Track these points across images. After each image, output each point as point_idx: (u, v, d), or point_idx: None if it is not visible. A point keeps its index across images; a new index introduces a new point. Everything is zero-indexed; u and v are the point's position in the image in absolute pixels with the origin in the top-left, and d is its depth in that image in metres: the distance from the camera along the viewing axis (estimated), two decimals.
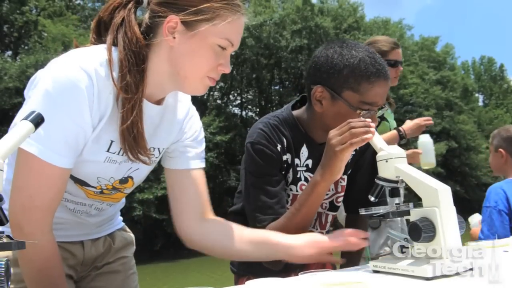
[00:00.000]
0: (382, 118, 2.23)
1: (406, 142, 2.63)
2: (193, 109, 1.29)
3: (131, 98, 1.02)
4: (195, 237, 1.25)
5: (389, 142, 2.14)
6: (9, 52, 21.81)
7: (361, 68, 1.23)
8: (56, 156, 0.98)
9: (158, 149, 1.19)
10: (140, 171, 1.20)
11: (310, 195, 1.20)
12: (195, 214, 1.24)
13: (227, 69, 1.10)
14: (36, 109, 0.86)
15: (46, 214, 1.02)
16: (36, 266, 1.03)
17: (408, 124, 2.56)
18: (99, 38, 1.13)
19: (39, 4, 21.15)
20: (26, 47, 21.17)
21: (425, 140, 2.68)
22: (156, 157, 1.21)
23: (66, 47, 18.52)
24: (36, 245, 0.99)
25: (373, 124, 1.12)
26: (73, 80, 0.96)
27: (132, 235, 1.47)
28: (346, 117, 1.19)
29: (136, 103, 1.03)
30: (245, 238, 1.22)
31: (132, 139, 1.04)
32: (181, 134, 1.24)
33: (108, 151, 1.08)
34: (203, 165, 1.28)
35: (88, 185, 1.14)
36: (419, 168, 2.35)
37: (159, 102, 1.15)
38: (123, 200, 1.38)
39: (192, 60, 1.05)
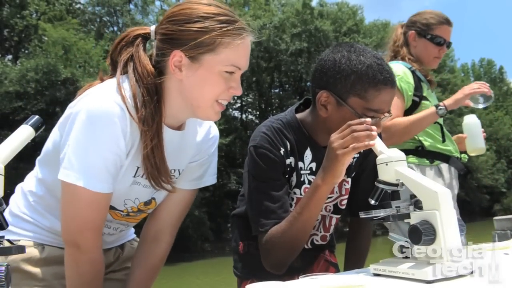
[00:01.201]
0: (423, 98, 2.14)
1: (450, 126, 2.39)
2: (214, 128, 1.33)
3: (148, 129, 1.07)
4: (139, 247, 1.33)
5: (425, 119, 2.04)
6: (10, 56, 21.86)
7: (368, 75, 1.22)
8: (100, 185, 1.06)
9: (178, 170, 1.24)
10: (162, 192, 1.23)
11: (311, 199, 1.19)
12: (159, 230, 1.30)
13: (238, 92, 1.13)
14: (77, 143, 1.00)
15: (98, 233, 1.12)
16: (86, 280, 1.12)
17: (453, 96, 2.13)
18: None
19: (40, 8, 21.20)
20: (26, 51, 21.21)
21: (470, 121, 2.25)
22: (176, 178, 1.25)
23: (67, 51, 18.62)
24: (92, 260, 1.11)
25: (374, 128, 1.11)
26: (108, 113, 1.03)
27: None
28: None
29: (154, 134, 1.08)
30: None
31: (154, 167, 1.10)
32: (197, 157, 1.28)
33: (134, 176, 1.15)
34: (200, 186, 1.32)
35: (116, 209, 1.21)
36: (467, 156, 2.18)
37: (179, 127, 1.20)
38: None
39: (202, 90, 1.09)
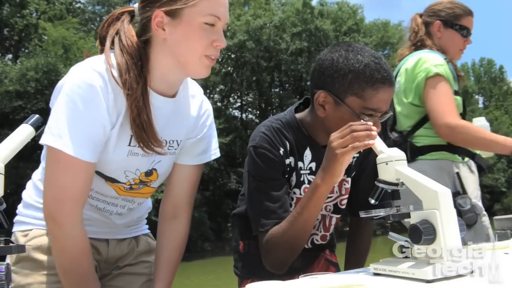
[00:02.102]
0: (456, 92, 2.02)
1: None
2: (207, 103, 1.34)
3: (132, 92, 1.09)
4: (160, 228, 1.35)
5: (495, 144, 1.89)
6: (10, 56, 21.87)
7: (366, 74, 1.21)
8: (81, 151, 1.07)
9: (177, 141, 1.26)
10: (162, 163, 1.26)
11: (311, 199, 1.19)
12: (175, 207, 1.33)
13: (223, 43, 1.14)
14: (60, 112, 1.03)
15: (76, 205, 1.11)
16: (68, 256, 1.12)
17: None
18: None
19: (40, 8, 21.20)
20: (26, 51, 21.22)
21: (479, 124, 2.23)
22: (175, 149, 1.27)
23: (67, 50, 18.64)
24: (68, 235, 1.10)
25: (374, 128, 1.11)
26: (88, 80, 1.07)
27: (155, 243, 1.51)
28: (348, 122, 1.19)
29: (138, 96, 1.10)
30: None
31: (141, 130, 1.12)
32: (195, 132, 1.30)
33: (129, 145, 1.16)
34: (205, 160, 1.34)
35: (118, 182, 1.22)
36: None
37: (172, 95, 1.22)
38: (150, 204, 1.47)
39: (186, 44, 1.11)
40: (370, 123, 1.12)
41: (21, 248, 0.78)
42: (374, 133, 1.09)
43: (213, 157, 1.37)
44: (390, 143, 1.88)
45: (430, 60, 1.95)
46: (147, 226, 1.48)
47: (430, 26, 2.13)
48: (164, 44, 1.13)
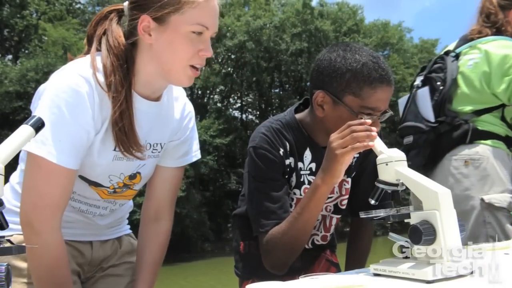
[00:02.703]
0: None
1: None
2: (189, 105, 1.33)
3: (116, 95, 1.08)
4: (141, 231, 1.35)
5: None
6: (10, 56, 21.87)
7: (363, 73, 1.22)
8: (64, 158, 1.05)
9: (160, 144, 1.25)
10: (147, 166, 1.25)
11: (311, 199, 1.19)
12: (157, 209, 1.33)
13: (209, 53, 1.12)
14: (43, 116, 0.94)
15: (55, 212, 1.08)
16: (44, 264, 1.08)
17: None
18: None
19: (40, 8, 21.20)
20: (26, 51, 21.21)
21: None
22: (159, 152, 1.26)
23: (67, 51, 18.62)
24: (45, 243, 1.07)
25: (374, 128, 1.10)
26: (74, 86, 1.05)
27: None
28: (346, 122, 1.19)
29: (122, 100, 1.08)
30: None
31: (122, 133, 1.10)
32: (178, 135, 1.29)
33: (115, 150, 1.15)
34: (187, 162, 1.34)
35: (102, 186, 1.21)
36: None
37: (156, 99, 1.20)
38: (131, 203, 1.45)
39: (171, 52, 1.09)
40: (369, 121, 1.12)
41: (21, 249, 0.78)
42: (374, 133, 1.09)
43: (194, 159, 1.36)
44: (447, 120, 1.82)
45: None
46: (128, 226, 1.48)
47: (506, 12, 1.93)
48: (150, 49, 1.11)
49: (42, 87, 1.10)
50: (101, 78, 1.08)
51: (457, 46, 2.01)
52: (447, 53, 2.00)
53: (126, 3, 1.17)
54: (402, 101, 2.07)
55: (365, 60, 1.23)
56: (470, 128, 1.84)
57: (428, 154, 1.87)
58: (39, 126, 0.85)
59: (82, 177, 1.17)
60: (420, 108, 1.94)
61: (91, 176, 1.17)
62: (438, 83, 1.90)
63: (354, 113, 1.22)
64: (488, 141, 1.84)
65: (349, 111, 1.23)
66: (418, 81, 2.00)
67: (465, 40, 1.99)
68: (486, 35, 1.91)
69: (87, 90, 1.06)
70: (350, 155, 1.12)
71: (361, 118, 1.21)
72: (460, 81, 1.89)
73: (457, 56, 1.95)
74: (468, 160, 1.81)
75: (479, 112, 1.87)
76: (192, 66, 1.11)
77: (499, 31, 1.92)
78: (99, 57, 1.11)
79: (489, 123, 1.86)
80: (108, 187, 1.22)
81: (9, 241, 0.78)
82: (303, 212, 1.20)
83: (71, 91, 1.04)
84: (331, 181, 1.17)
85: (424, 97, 1.94)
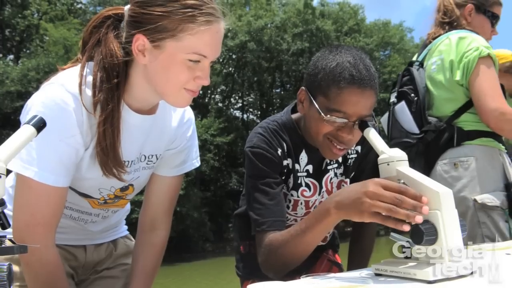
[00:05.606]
0: None
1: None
2: (189, 112, 1.28)
3: (101, 115, 1.03)
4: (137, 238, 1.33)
5: None
6: (11, 56, 21.90)
7: (334, 73, 1.16)
8: (52, 177, 1.02)
9: (156, 155, 1.22)
10: (140, 178, 1.22)
11: (318, 222, 1.08)
12: (154, 218, 1.30)
13: (206, 82, 1.05)
14: None
15: (48, 230, 1.06)
16: (41, 281, 1.07)
17: None
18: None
19: (41, 8, 21.22)
20: (28, 51, 21.25)
21: None
22: (154, 163, 1.23)
23: (68, 51, 18.65)
24: (42, 260, 1.05)
25: (425, 207, 0.89)
26: (60, 103, 1.01)
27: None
28: (317, 122, 1.18)
29: (106, 119, 1.03)
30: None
31: (104, 152, 1.05)
32: (175, 144, 1.25)
33: None
34: (184, 171, 1.30)
35: (92, 197, 1.18)
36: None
37: (151, 111, 1.15)
38: (128, 207, 1.41)
39: (165, 77, 1.03)
40: (425, 199, 0.90)
41: (23, 249, 0.78)
42: (419, 217, 0.88)
43: (192, 167, 1.32)
44: (431, 128, 1.83)
45: (478, 40, 1.81)
46: (125, 228, 1.46)
47: (461, 9, 1.97)
48: (143, 68, 1.05)
49: (30, 102, 1.04)
50: (88, 93, 1.03)
51: (419, 54, 2.06)
52: (411, 64, 2.03)
53: (126, 8, 1.08)
54: (383, 120, 2.08)
55: (342, 60, 1.17)
56: (455, 130, 1.85)
57: (423, 164, 1.87)
58: (40, 126, 0.84)
59: (72, 188, 1.14)
60: (402, 123, 1.94)
61: (80, 188, 1.15)
62: (412, 95, 1.91)
63: (322, 114, 1.17)
64: (476, 141, 1.83)
65: (317, 111, 1.18)
66: (393, 98, 2.01)
67: (425, 46, 2.04)
68: (440, 35, 1.96)
69: (74, 107, 1.01)
70: (372, 219, 0.97)
71: (328, 121, 1.16)
72: (430, 86, 1.91)
73: (421, 64, 1.98)
74: (457, 163, 1.81)
75: (458, 112, 1.86)
76: (187, 89, 1.05)
77: (453, 27, 1.95)
78: (90, 69, 1.05)
79: (471, 121, 1.86)
80: (99, 199, 1.19)
81: (10, 240, 0.77)
82: (307, 232, 1.11)
83: (57, 109, 1.00)
84: (344, 217, 1.07)
85: (402, 111, 1.95)
